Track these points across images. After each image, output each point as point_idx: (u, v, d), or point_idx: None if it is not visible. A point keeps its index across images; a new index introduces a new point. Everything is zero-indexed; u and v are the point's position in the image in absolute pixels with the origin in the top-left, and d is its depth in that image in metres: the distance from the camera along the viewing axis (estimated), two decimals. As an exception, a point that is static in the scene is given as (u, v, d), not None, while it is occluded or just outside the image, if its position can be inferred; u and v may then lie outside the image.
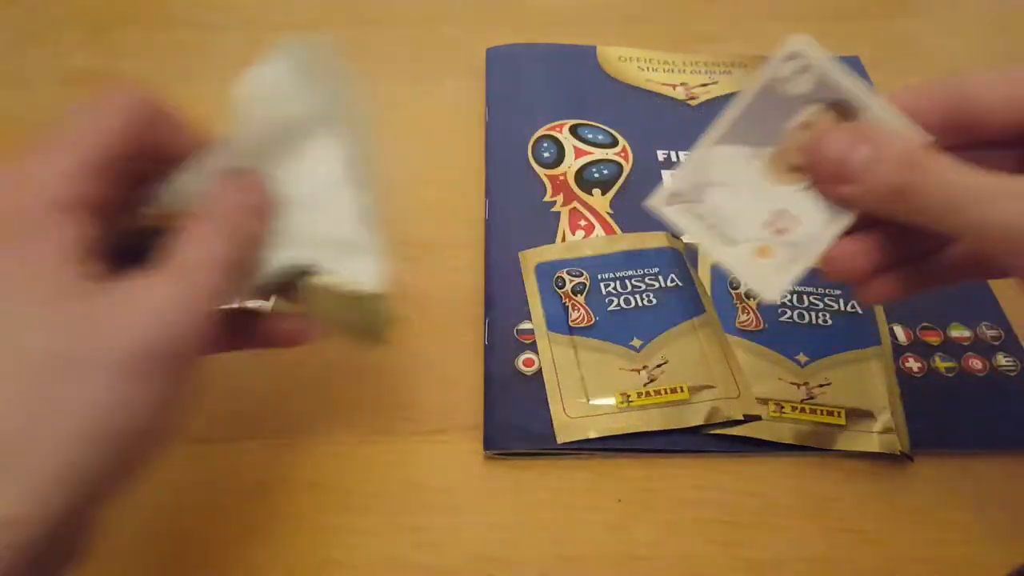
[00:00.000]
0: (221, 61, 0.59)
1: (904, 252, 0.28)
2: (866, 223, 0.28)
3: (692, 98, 0.54)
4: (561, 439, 0.36)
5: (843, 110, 0.27)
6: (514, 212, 0.46)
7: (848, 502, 0.36)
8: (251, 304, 0.30)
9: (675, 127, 0.52)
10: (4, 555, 0.20)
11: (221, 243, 0.26)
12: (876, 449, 0.36)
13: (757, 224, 0.28)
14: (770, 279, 0.28)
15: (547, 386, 0.38)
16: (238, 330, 0.30)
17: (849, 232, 0.28)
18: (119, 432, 0.22)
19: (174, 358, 0.23)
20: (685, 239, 0.43)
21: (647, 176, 0.48)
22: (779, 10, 0.65)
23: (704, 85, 0.55)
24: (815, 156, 0.27)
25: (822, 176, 0.27)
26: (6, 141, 0.53)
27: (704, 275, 0.43)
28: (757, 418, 0.37)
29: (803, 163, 0.28)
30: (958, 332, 0.41)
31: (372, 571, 0.33)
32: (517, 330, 0.41)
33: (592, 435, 0.36)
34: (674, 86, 0.55)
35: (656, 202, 0.29)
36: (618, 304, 0.41)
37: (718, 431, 0.37)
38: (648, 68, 0.56)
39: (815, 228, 0.28)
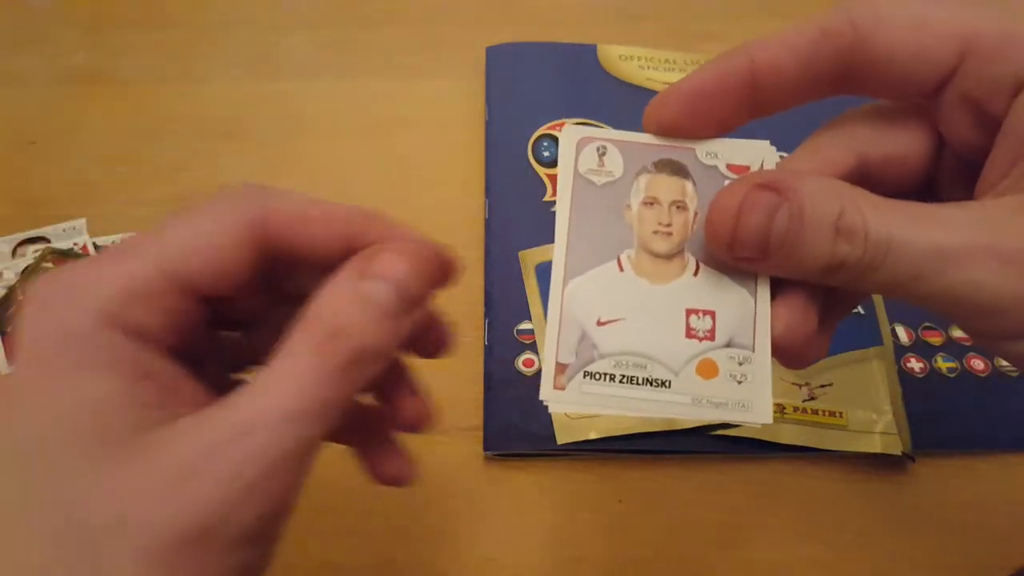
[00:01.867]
0: (221, 61, 0.59)
1: (821, 292, 0.23)
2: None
3: (693, 97, 0.54)
4: (561, 440, 0.36)
5: (673, 166, 0.23)
6: (514, 212, 0.46)
7: (849, 503, 0.35)
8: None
9: (676, 126, 0.51)
10: None
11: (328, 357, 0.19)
12: (878, 450, 0.36)
13: (679, 338, 0.22)
14: (747, 400, 0.22)
15: (547, 387, 0.38)
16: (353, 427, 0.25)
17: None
18: None
19: (237, 541, 0.18)
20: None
21: (648, 175, 0.48)
22: (779, 8, 0.65)
23: (705, 84, 0.55)
24: (719, 232, 0.21)
25: (728, 254, 0.21)
26: (5, 140, 0.53)
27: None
28: (758, 419, 0.37)
29: (711, 241, 0.22)
30: (960, 332, 0.41)
31: (372, 572, 0.33)
32: (517, 330, 0.40)
33: (593, 436, 0.36)
34: (675, 85, 0.55)
35: (550, 396, 0.22)
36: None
37: (719, 432, 0.36)
38: (649, 67, 0.56)
39: (736, 314, 0.22)
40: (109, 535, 0.17)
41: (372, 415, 0.25)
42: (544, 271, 0.43)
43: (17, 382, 0.19)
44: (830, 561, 0.34)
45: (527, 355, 0.39)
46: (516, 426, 0.37)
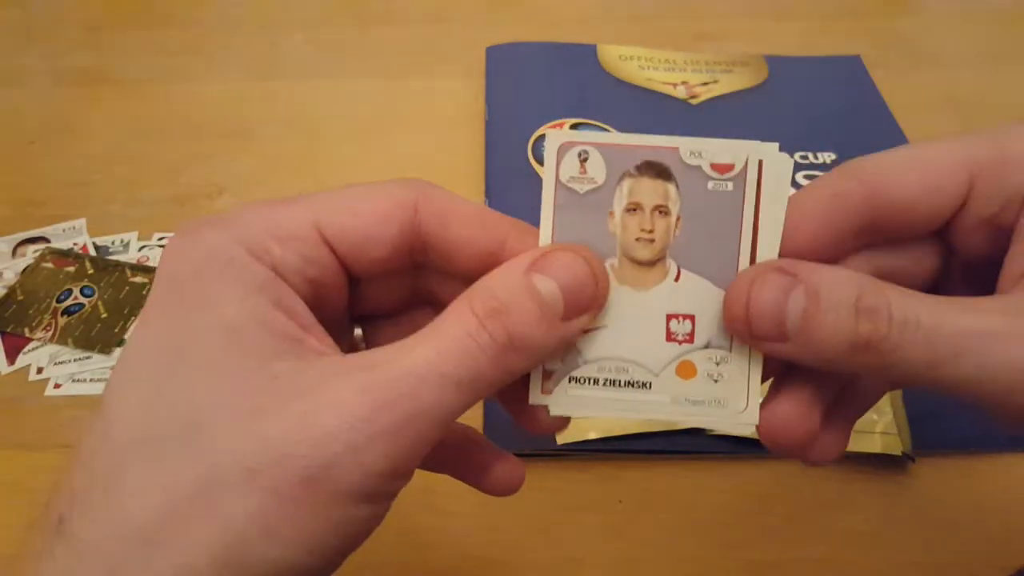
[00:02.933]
0: (220, 61, 0.59)
1: (832, 389, 0.23)
2: None
3: (693, 96, 0.54)
4: (561, 440, 0.36)
5: (655, 168, 0.23)
6: (514, 212, 0.46)
7: (849, 503, 0.35)
8: None
9: (676, 126, 0.51)
10: None
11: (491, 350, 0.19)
12: (878, 450, 0.36)
13: (660, 342, 0.23)
14: (723, 398, 0.23)
15: (547, 387, 0.38)
16: (447, 454, 0.25)
17: (774, 387, 0.23)
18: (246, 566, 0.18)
19: (345, 493, 0.18)
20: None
21: (648, 175, 0.48)
22: (780, 8, 0.65)
23: (705, 84, 0.55)
24: (734, 312, 0.21)
25: (747, 335, 0.21)
26: (5, 140, 0.53)
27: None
28: (758, 419, 0.37)
29: (729, 323, 0.22)
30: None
31: (372, 572, 0.33)
32: (517, 330, 0.40)
33: (592, 436, 0.36)
34: (675, 85, 0.55)
35: (539, 399, 0.23)
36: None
37: (719, 432, 0.36)
38: (649, 67, 0.56)
39: (715, 316, 0.23)
40: (218, 454, 0.18)
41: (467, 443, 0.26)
42: (544, 271, 0.43)
43: (155, 298, 0.20)
44: (830, 561, 0.34)
45: (527, 355, 0.39)
46: (516, 426, 0.37)
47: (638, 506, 0.35)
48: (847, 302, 0.20)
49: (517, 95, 0.54)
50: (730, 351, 0.23)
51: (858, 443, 0.36)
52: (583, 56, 0.57)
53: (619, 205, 0.23)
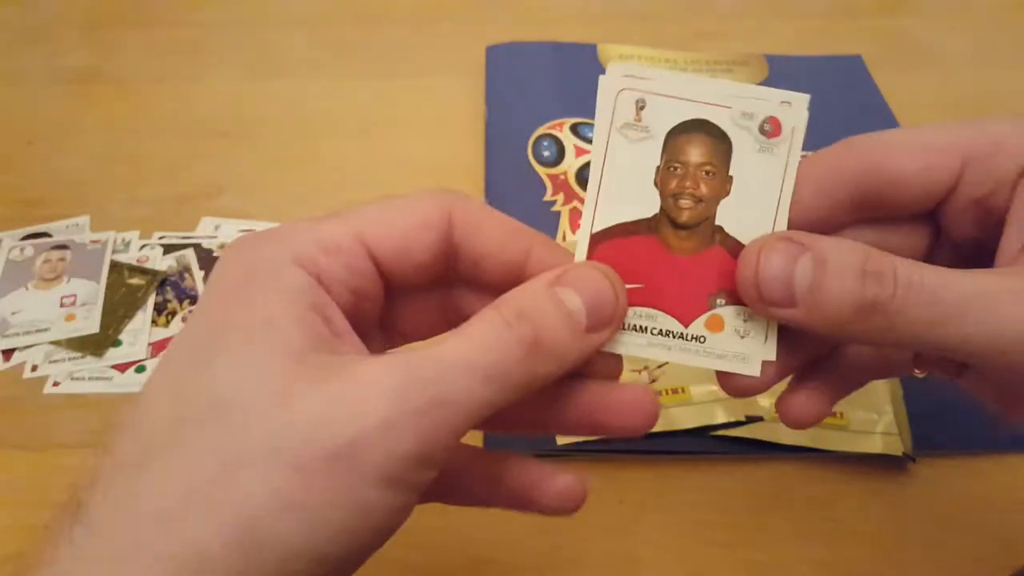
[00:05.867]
0: (219, 60, 0.59)
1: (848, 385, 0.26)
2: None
3: (693, 96, 0.54)
4: (561, 440, 0.36)
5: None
6: (514, 211, 0.45)
7: (850, 504, 0.35)
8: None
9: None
10: None
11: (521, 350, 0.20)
12: (878, 450, 0.36)
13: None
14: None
15: (547, 387, 0.38)
16: (481, 473, 0.25)
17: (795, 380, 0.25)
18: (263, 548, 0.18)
19: (370, 473, 0.18)
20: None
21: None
22: (781, 8, 0.65)
23: (705, 83, 0.55)
24: (745, 278, 0.22)
25: (757, 300, 0.22)
26: (3, 140, 0.52)
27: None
28: (759, 419, 0.37)
29: (742, 292, 0.23)
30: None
31: (372, 572, 0.33)
32: (517, 330, 0.40)
33: (592, 436, 0.36)
34: (675, 84, 0.55)
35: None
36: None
37: (720, 432, 0.36)
38: (649, 66, 0.56)
39: None
40: (245, 435, 0.18)
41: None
42: (544, 271, 0.43)
43: (201, 304, 0.21)
44: (830, 561, 0.34)
45: (527, 355, 0.39)
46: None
47: (638, 506, 0.35)
48: (854, 266, 0.21)
49: (517, 95, 0.53)
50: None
51: (858, 443, 0.36)
52: (583, 55, 0.57)
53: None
